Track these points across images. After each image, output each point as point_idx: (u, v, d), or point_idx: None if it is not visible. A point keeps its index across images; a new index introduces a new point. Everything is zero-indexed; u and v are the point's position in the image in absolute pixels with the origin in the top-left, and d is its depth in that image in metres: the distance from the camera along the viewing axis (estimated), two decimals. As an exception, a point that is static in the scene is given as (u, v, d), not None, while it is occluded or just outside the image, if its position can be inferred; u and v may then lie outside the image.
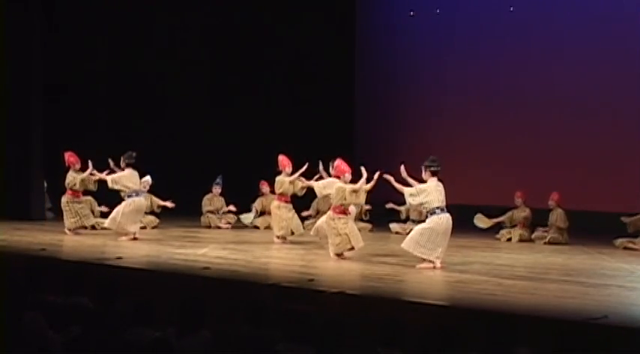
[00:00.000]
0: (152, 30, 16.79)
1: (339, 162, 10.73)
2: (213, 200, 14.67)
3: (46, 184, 15.06)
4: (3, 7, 14.65)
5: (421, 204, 9.72)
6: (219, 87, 17.57)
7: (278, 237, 12.24)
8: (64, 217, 12.91)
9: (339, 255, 10.40)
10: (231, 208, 14.65)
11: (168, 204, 14.13)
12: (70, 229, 12.84)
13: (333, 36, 17.20)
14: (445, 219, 9.58)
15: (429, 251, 9.54)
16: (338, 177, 10.63)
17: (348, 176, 10.49)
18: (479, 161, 16.06)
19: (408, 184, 9.81)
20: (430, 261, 9.55)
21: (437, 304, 7.28)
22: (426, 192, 9.59)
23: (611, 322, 6.42)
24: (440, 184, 9.68)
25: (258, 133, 16.71)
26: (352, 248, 10.47)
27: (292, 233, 12.31)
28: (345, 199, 10.39)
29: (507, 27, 15.93)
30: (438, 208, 9.58)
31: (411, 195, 9.68)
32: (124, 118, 16.34)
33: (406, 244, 9.71)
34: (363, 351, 5.48)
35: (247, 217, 14.51)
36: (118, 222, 12.19)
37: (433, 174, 9.70)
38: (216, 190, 14.67)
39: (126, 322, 5.48)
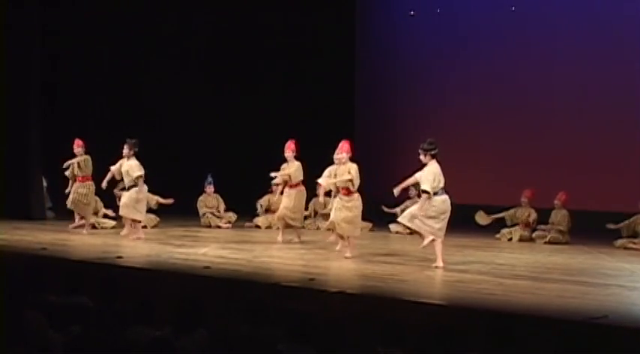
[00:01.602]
0: (151, 27, 16.77)
1: (342, 143, 10.71)
2: (207, 200, 14.67)
3: (45, 183, 15.06)
4: (1, 5, 14.64)
5: (434, 188, 9.57)
6: (220, 87, 17.55)
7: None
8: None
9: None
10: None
11: (168, 201, 14.07)
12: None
13: (333, 36, 17.20)
14: (448, 199, 9.61)
15: (438, 232, 9.57)
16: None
17: (340, 156, 10.47)
18: (479, 160, 16.06)
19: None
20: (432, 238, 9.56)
21: (437, 304, 7.28)
22: (436, 175, 9.53)
23: (612, 322, 6.41)
24: (438, 165, 9.64)
25: (259, 133, 16.72)
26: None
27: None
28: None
29: (509, 27, 15.93)
30: (442, 189, 9.58)
31: (428, 181, 9.50)
32: (123, 117, 16.34)
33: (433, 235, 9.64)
34: (363, 351, 5.47)
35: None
36: (137, 211, 12.31)
37: (433, 157, 9.66)
38: (209, 189, 14.68)
39: (126, 321, 5.49)
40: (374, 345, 5.28)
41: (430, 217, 9.55)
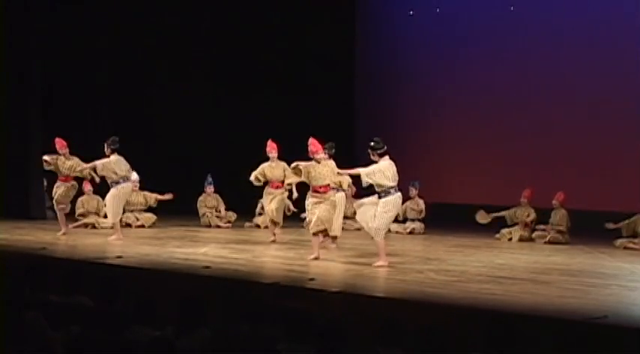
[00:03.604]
0: (151, 29, 16.76)
1: (311, 141, 10.63)
2: (207, 200, 14.67)
3: (45, 183, 15.06)
4: (2, 7, 14.63)
5: (377, 184, 9.60)
6: (219, 87, 17.55)
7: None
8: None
9: (315, 235, 10.37)
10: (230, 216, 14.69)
11: (167, 196, 14.05)
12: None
13: (333, 35, 17.19)
14: (399, 198, 9.75)
15: (383, 233, 9.70)
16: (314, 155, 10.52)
17: (318, 155, 10.46)
18: (479, 160, 16.06)
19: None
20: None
21: (437, 304, 7.28)
22: (382, 172, 9.56)
23: (611, 322, 6.41)
24: (392, 163, 9.68)
25: (259, 133, 16.69)
26: (326, 233, 10.53)
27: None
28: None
29: (508, 26, 15.93)
30: (392, 187, 9.61)
31: (367, 174, 9.59)
32: (123, 117, 16.34)
33: (377, 235, 9.66)
34: (363, 351, 5.47)
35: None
36: (111, 212, 12.25)
37: (382, 155, 9.67)
38: (209, 189, 14.69)
39: (126, 321, 5.48)
40: (374, 345, 5.28)
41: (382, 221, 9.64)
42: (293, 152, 12.38)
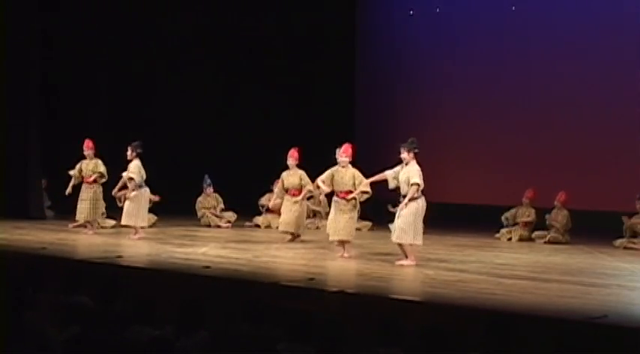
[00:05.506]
0: (151, 27, 16.76)
1: (345, 146, 10.73)
2: (206, 201, 14.63)
3: (44, 183, 15.06)
4: (2, 7, 14.63)
5: (418, 186, 9.63)
6: (219, 87, 17.56)
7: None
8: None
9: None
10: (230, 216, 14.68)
11: (155, 198, 13.94)
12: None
13: (334, 35, 17.20)
14: (424, 201, 9.72)
15: (418, 236, 9.64)
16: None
17: (343, 160, 10.55)
18: (479, 160, 16.06)
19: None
20: (412, 247, 9.59)
21: (437, 304, 7.27)
22: (421, 174, 9.59)
23: (611, 322, 6.41)
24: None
25: (259, 132, 16.72)
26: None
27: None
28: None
29: (508, 26, 15.93)
30: (422, 190, 9.63)
31: (420, 177, 9.59)
32: (122, 117, 16.34)
33: (400, 238, 9.65)
34: (363, 350, 5.47)
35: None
36: (138, 217, 12.27)
37: (416, 155, 9.69)
38: (209, 190, 14.65)
39: (126, 320, 5.48)
40: (373, 345, 5.28)
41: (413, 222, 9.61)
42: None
